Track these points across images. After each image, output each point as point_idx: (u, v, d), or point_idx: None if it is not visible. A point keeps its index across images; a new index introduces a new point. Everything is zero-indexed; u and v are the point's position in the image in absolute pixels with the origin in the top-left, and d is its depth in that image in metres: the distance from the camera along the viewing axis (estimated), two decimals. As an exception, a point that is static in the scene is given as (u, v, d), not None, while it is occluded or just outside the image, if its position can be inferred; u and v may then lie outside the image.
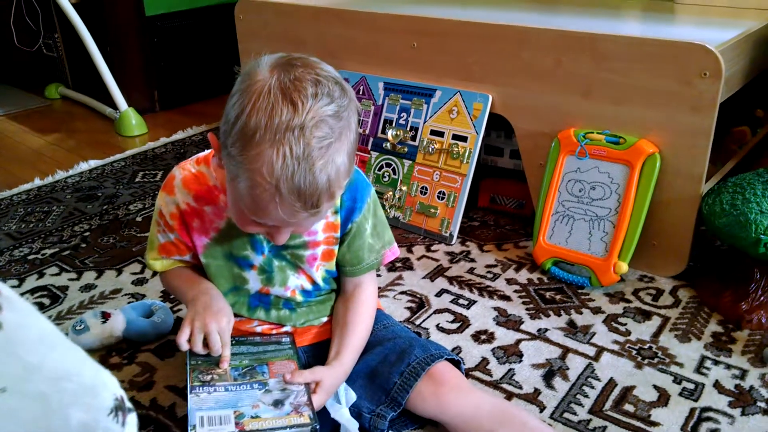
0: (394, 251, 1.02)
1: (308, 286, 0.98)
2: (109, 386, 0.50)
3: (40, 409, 0.44)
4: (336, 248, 0.96)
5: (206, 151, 0.95)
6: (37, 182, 1.91)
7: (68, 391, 0.46)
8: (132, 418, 0.52)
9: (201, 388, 0.85)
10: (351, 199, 0.94)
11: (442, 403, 0.92)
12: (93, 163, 2.04)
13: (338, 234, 0.95)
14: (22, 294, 1.34)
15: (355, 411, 0.92)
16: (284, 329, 0.99)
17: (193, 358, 0.89)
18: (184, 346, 0.86)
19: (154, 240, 0.96)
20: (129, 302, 1.29)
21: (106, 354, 1.16)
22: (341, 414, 0.89)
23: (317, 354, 0.99)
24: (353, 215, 0.94)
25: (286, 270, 0.96)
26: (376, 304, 1.02)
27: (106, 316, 1.16)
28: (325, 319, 1.01)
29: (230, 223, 0.91)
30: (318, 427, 0.81)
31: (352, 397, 0.92)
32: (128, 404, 0.52)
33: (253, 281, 0.96)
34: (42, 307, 1.30)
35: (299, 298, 0.98)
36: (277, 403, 0.84)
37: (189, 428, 0.79)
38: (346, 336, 0.95)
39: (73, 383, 0.46)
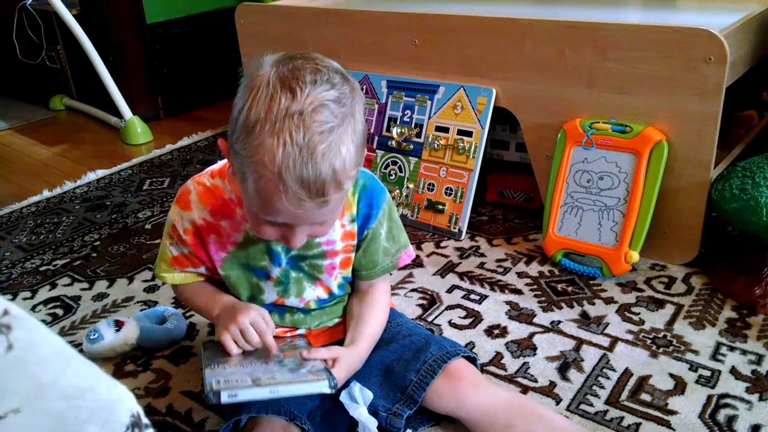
0: (410, 254, 1.01)
1: (324, 296, 0.98)
2: (125, 402, 0.49)
3: (55, 427, 0.44)
4: (353, 255, 0.96)
5: (219, 163, 0.93)
6: (46, 194, 1.92)
7: (83, 408, 0.45)
8: None
9: (216, 366, 0.85)
10: (367, 206, 0.93)
11: (459, 399, 0.91)
12: (100, 172, 2.05)
13: (355, 242, 0.95)
14: (35, 306, 1.35)
15: (372, 410, 0.92)
16: (298, 332, 0.99)
17: (209, 350, 0.91)
18: (235, 350, 0.86)
19: (165, 252, 0.95)
20: (141, 310, 1.30)
21: (121, 362, 1.16)
22: (360, 413, 0.89)
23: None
24: (369, 222, 0.94)
25: (303, 282, 0.95)
26: (389, 300, 1.02)
27: (119, 325, 1.17)
28: (338, 320, 1.01)
29: (247, 236, 0.91)
30: (335, 383, 0.80)
31: (369, 396, 0.92)
32: (145, 420, 0.51)
33: (269, 292, 0.95)
34: (55, 318, 1.30)
35: (314, 306, 0.98)
36: (293, 371, 0.84)
37: (206, 387, 0.79)
38: (361, 326, 0.96)
39: (88, 400, 0.46)
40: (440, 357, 0.94)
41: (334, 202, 0.77)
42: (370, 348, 0.96)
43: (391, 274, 1.02)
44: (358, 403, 0.90)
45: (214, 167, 0.94)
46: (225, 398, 0.78)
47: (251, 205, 0.79)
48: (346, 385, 0.92)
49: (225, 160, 0.90)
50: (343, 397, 0.91)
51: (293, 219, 0.77)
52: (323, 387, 0.80)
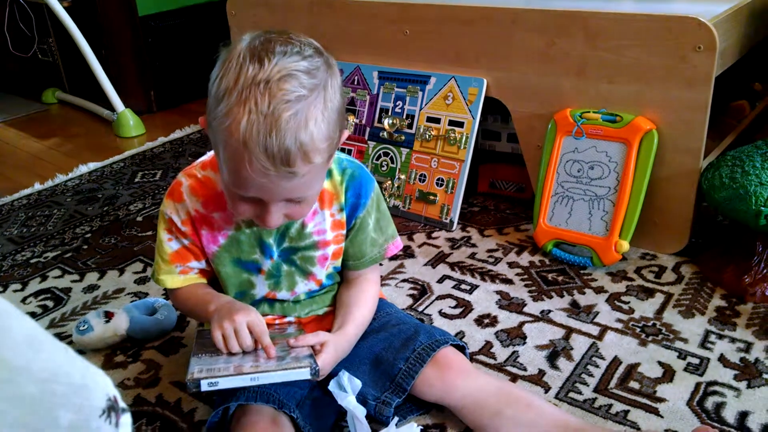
0: (397, 245, 1.01)
1: (315, 287, 0.98)
2: (101, 386, 0.49)
3: (28, 412, 0.43)
4: (344, 245, 0.96)
5: (209, 154, 0.92)
6: (37, 187, 1.91)
7: (57, 392, 0.44)
8: (126, 419, 0.51)
9: (204, 354, 0.85)
10: (355, 196, 0.93)
11: (447, 387, 0.92)
12: (92, 165, 2.04)
13: (345, 231, 0.95)
14: (25, 298, 1.35)
15: (360, 398, 0.92)
16: (287, 319, 0.99)
17: (202, 338, 0.91)
18: (224, 349, 0.84)
19: (164, 249, 0.93)
20: (132, 301, 1.29)
21: (111, 353, 1.16)
22: (348, 401, 0.89)
23: None
24: (357, 211, 0.94)
25: (295, 276, 0.95)
26: (378, 290, 1.02)
27: (109, 316, 1.17)
28: (328, 308, 1.01)
29: (239, 228, 0.91)
30: (318, 370, 0.80)
31: (357, 385, 0.92)
32: (122, 404, 0.51)
33: (260, 286, 0.95)
34: (45, 310, 1.30)
35: (303, 297, 0.98)
36: (278, 359, 0.83)
37: (187, 375, 0.79)
38: (349, 312, 0.95)
39: (61, 384, 0.45)
40: (429, 345, 0.94)
41: (306, 177, 0.76)
42: (359, 334, 0.96)
43: (381, 265, 1.01)
44: (347, 391, 0.90)
45: (205, 158, 0.93)
46: (204, 386, 0.78)
47: (226, 179, 0.79)
48: (335, 373, 0.92)
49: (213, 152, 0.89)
50: (332, 386, 0.91)
51: (262, 192, 0.77)
52: (305, 374, 0.80)
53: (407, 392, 0.93)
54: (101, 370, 0.50)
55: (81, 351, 1.16)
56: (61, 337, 1.21)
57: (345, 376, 0.92)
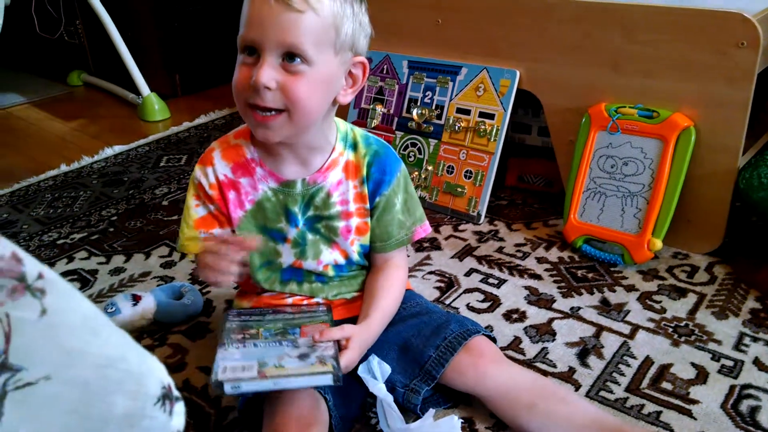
0: (426, 228, 1.00)
1: (341, 260, 0.97)
2: (156, 374, 0.48)
3: (83, 396, 0.43)
4: (369, 221, 0.96)
5: (242, 126, 0.94)
6: (63, 168, 1.92)
7: (113, 378, 0.44)
8: (180, 407, 0.50)
9: (230, 345, 0.85)
10: (379, 172, 0.93)
11: (480, 375, 0.91)
12: (117, 148, 2.04)
13: (368, 206, 0.95)
14: (52, 278, 1.35)
15: (389, 385, 0.91)
16: (315, 300, 0.99)
17: (229, 322, 0.91)
18: (213, 279, 0.83)
19: (190, 215, 0.94)
20: (158, 285, 1.29)
21: (138, 336, 1.16)
22: (379, 389, 0.88)
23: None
24: (381, 188, 0.94)
25: (320, 244, 0.95)
26: (406, 277, 1.01)
27: (136, 299, 1.16)
28: (356, 293, 1.00)
29: (265, 196, 0.92)
30: (341, 376, 0.80)
31: (387, 370, 0.90)
32: (176, 393, 0.50)
33: (287, 255, 0.95)
34: (73, 291, 1.31)
35: (331, 272, 0.98)
36: (303, 357, 0.83)
37: (212, 376, 0.79)
38: (376, 300, 0.95)
39: (118, 370, 0.45)
40: (461, 334, 0.94)
41: (302, 19, 0.78)
42: (384, 324, 0.95)
43: (407, 255, 1.01)
44: (377, 376, 0.89)
45: (238, 129, 0.96)
46: (228, 389, 0.79)
47: (240, 34, 0.83)
48: (365, 358, 0.91)
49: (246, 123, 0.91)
50: (362, 371, 0.90)
51: (258, 27, 0.79)
52: (327, 380, 0.80)
53: (437, 380, 0.92)
54: (156, 357, 0.49)
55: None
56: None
57: (375, 361, 0.91)
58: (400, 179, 0.95)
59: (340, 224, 0.94)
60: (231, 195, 0.92)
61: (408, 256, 1.36)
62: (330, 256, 0.96)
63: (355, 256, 0.97)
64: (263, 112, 0.82)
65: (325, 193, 0.93)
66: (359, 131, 0.96)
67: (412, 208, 0.98)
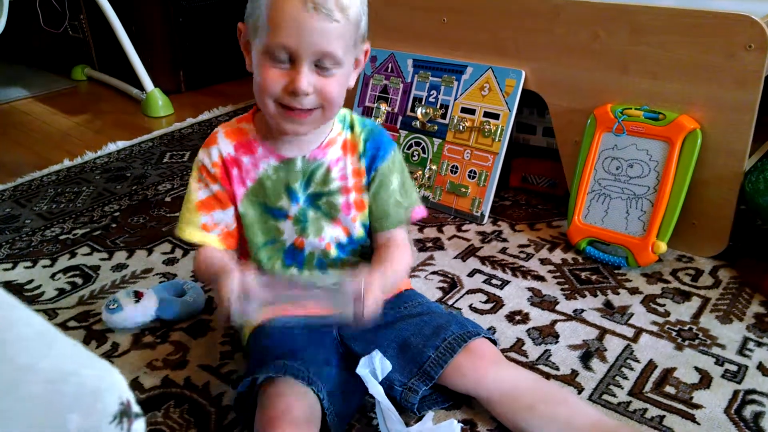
0: (422, 210, 1.03)
1: (343, 238, 0.98)
2: (114, 388, 0.46)
3: (35, 414, 0.40)
4: (366, 197, 0.98)
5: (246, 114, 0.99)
6: (67, 163, 1.91)
7: (65, 393, 0.42)
8: (139, 425, 0.48)
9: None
10: (374, 147, 0.97)
11: (480, 376, 0.90)
12: (121, 144, 2.04)
13: (365, 181, 0.97)
14: (54, 273, 1.35)
15: (387, 383, 0.91)
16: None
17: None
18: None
19: (191, 199, 0.96)
20: (160, 282, 1.29)
21: (140, 333, 1.16)
22: (377, 391, 0.87)
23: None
24: (376, 162, 0.97)
25: (321, 221, 0.97)
26: (410, 252, 1.01)
27: (138, 296, 1.16)
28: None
29: (266, 174, 0.95)
30: (363, 310, 0.80)
31: (387, 366, 0.90)
32: (136, 409, 0.48)
33: (288, 232, 0.97)
34: (75, 286, 1.30)
35: (333, 253, 0.98)
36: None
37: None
38: (384, 261, 0.95)
39: (71, 385, 0.42)
40: (461, 335, 0.93)
41: (337, 26, 0.81)
42: (395, 281, 0.96)
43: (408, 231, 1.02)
44: (377, 372, 0.88)
45: (242, 115, 0.99)
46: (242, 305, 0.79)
47: (261, 44, 0.84)
48: (366, 353, 0.90)
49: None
50: (362, 367, 0.89)
51: (295, 36, 0.81)
52: (346, 302, 0.80)
53: (435, 380, 0.91)
54: (117, 369, 0.47)
55: (109, 330, 1.16)
56: (90, 315, 1.21)
57: (378, 357, 0.90)
58: (395, 158, 0.98)
59: (341, 200, 0.96)
60: (234, 172, 0.95)
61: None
62: (332, 232, 0.97)
63: (357, 232, 0.98)
64: (298, 111, 0.86)
65: (325, 168, 0.95)
66: (356, 115, 1.00)
67: (409, 190, 1.01)
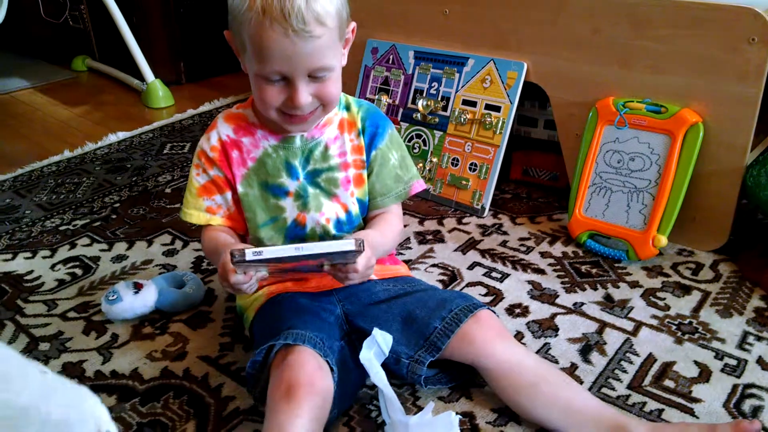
0: (421, 184, 1.06)
1: (342, 214, 1.00)
2: (87, 419, 0.42)
3: None
4: (365, 173, 1.01)
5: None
6: (67, 154, 1.91)
7: (27, 430, 0.39)
8: None
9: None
10: (373, 125, 1.00)
11: (486, 346, 0.91)
12: (121, 134, 2.03)
13: (364, 158, 1.00)
14: (54, 264, 1.35)
15: (394, 357, 0.92)
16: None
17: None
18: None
19: (192, 185, 1.00)
20: (160, 273, 1.29)
21: (139, 324, 1.16)
22: (380, 378, 0.86)
23: (351, 299, 1.00)
24: (376, 140, 1.00)
25: (321, 197, 0.99)
26: (402, 225, 1.07)
27: (138, 287, 1.16)
28: None
29: (266, 152, 0.97)
30: (362, 242, 0.80)
31: (389, 338, 0.90)
32: None
33: (290, 209, 0.99)
34: (74, 277, 1.30)
35: (333, 231, 1.00)
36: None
37: (233, 255, 0.79)
38: (376, 227, 1.01)
39: (32, 422, 0.39)
40: (466, 307, 0.95)
41: (321, 40, 0.83)
42: (386, 241, 1.00)
43: (410, 248, 1.02)
44: (382, 347, 0.88)
45: (241, 102, 1.02)
46: (250, 255, 0.79)
47: (254, 68, 0.86)
48: (368, 332, 0.90)
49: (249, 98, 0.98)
50: (365, 352, 0.88)
51: (285, 62, 0.83)
52: (349, 245, 0.80)
53: (441, 350, 0.92)
54: (96, 397, 0.43)
55: (109, 321, 1.16)
56: (90, 306, 1.21)
57: (378, 334, 0.89)
58: (393, 136, 1.02)
59: (340, 175, 0.99)
60: (234, 154, 0.98)
61: (410, 249, 1.35)
62: (331, 208, 1.00)
63: (354, 209, 1.01)
64: (300, 116, 0.90)
65: (324, 146, 0.98)
66: (351, 96, 1.03)
67: (409, 165, 1.05)
